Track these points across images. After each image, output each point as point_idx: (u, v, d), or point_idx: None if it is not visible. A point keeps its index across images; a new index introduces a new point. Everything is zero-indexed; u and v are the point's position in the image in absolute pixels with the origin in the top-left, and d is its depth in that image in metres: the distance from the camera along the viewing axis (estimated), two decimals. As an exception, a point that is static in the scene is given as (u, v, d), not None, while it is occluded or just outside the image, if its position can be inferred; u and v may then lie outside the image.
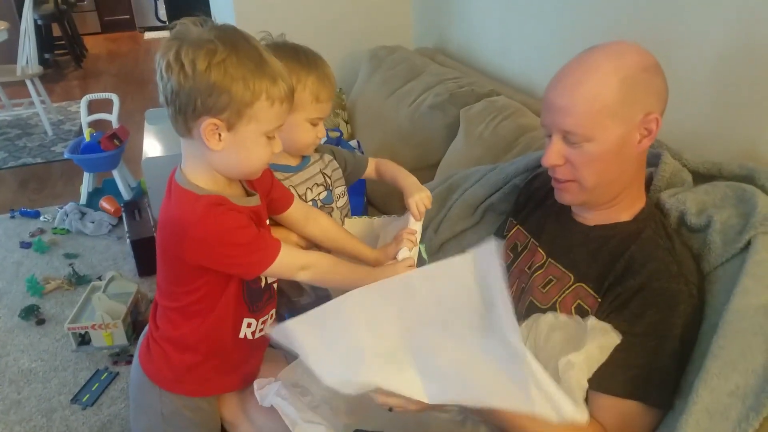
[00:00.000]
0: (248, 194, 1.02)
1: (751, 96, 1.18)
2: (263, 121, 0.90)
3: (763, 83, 1.15)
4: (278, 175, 1.18)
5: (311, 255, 1.06)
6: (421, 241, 1.19)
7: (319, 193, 1.27)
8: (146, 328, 1.14)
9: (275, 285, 1.11)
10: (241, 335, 1.09)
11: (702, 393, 0.81)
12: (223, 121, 0.87)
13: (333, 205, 1.29)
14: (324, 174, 1.28)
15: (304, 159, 1.26)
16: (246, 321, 1.08)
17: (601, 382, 0.90)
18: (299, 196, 1.22)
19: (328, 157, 1.31)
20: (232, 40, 0.86)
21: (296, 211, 1.15)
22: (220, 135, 0.89)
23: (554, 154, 0.96)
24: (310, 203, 1.25)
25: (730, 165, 1.10)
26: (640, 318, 0.90)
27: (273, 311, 1.13)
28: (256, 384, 1.07)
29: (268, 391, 1.03)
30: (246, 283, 1.03)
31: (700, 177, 1.14)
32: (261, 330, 1.11)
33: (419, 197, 1.20)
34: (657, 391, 0.89)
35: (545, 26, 1.81)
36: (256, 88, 0.87)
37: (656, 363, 0.89)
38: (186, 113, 0.87)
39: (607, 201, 1.01)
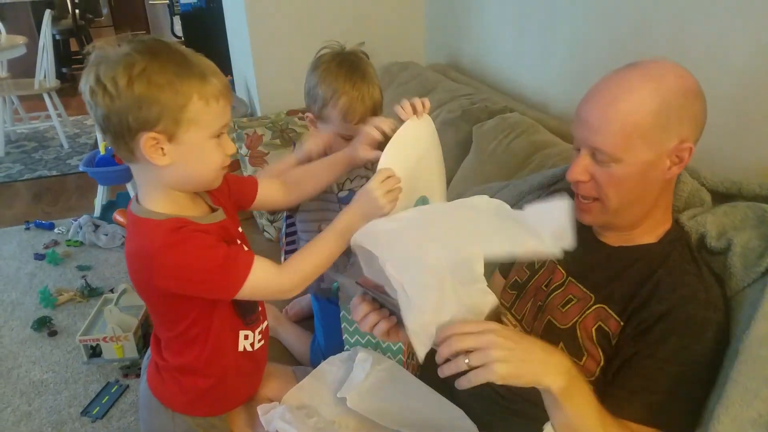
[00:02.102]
0: (213, 210, 0.99)
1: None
2: (203, 123, 0.85)
3: (783, 102, 1.13)
4: None
5: (290, 263, 0.98)
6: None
7: (361, 184, 1.30)
8: (149, 351, 1.13)
9: None
10: (240, 348, 1.07)
11: (724, 420, 0.79)
12: (161, 133, 0.83)
13: None
14: (365, 167, 1.31)
15: None
16: (242, 333, 1.06)
17: (621, 408, 0.88)
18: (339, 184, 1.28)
19: None
20: (150, 48, 0.82)
21: (268, 189, 1.13)
22: (162, 149, 0.84)
23: (580, 169, 0.94)
24: (347, 192, 1.29)
25: (750, 184, 1.08)
26: (663, 343, 0.88)
27: (266, 322, 1.13)
28: (260, 410, 1.06)
29: (272, 415, 1.03)
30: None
31: (720, 196, 1.12)
32: (260, 341, 1.10)
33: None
34: (679, 418, 0.87)
35: (559, 42, 1.81)
36: (185, 90, 0.82)
37: (678, 390, 0.87)
38: (123, 135, 0.83)
39: (629, 224, 0.99)
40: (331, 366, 1.16)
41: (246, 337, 1.07)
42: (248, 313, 1.05)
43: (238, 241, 1.01)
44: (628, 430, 0.86)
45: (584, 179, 0.94)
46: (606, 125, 0.89)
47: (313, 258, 0.98)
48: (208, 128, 0.86)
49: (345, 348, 1.25)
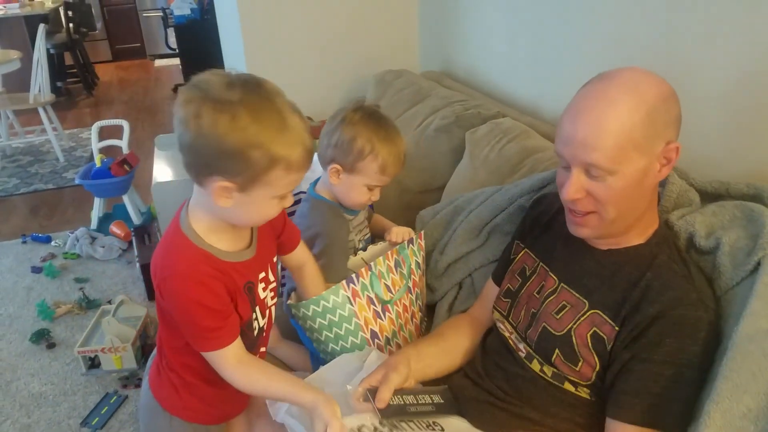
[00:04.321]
0: (249, 244, 1.00)
1: (759, 115, 1.18)
2: (277, 186, 0.87)
3: (768, 103, 1.15)
4: (347, 215, 1.34)
5: (252, 363, 0.99)
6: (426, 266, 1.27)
7: (364, 235, 1.42)
8: (154, 351, 1.14)
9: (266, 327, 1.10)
10: None
11: (714, 416, 0.80)
12: (236, 184, 0.85)
13: (369, 245, 1.43)
14: (366, 219, 1.44)
15: None
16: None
17: (620, 411, 0.90)
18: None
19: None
20: (257, 103, 0.82)
21: (296, 256, 1.17)
22: (229, 196, 0.87)
23: (575, 188, 0.93)
24: (357, 243, 1.39)
25: (737, 184, 1.10)
26: (658, 346, 0.90)
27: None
28: (268, 400, 1.07)
29: (279, 407, 1.04)
30: (240, 328, 0.99)
31: (708, 196, 1.14)
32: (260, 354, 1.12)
33: (400, 230, 1.40)
34: (675, 419, 0.88)
35: (552, 48, 1.83)
36: (275, 156, 0.83)
37: (676, 391, 0.88)
38: (198, 168, 0.86)
39: (623, 231, 1.00)
40: (343, 363, 1.17)
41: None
42: (249, 347, 1.03)
43: (248, 286, 1.00)
44: None
45: (580, 197, 0.94)
46: (600, 141, 0.88)
47: (266, 387, 0.99)
48: (279, 191, 0.89)
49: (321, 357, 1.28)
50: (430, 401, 1.08)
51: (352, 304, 1.21)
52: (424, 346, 1.20)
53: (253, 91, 0.83)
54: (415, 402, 1.05)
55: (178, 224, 0.94)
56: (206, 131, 0.81)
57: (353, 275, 1.23)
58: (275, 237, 1.09)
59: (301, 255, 1.18)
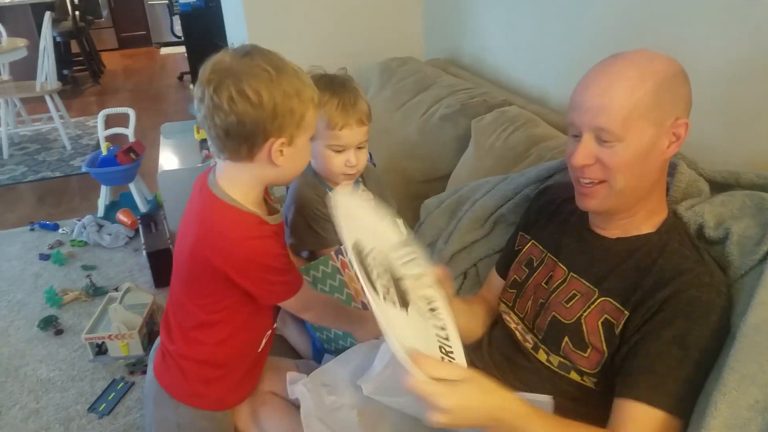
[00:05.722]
0: (271, 212, 1.04)
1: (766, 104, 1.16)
2: (311, 126, 0.96)
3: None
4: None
5: (319, 300, 1.12)
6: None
7: None
8: (158, 339, 1.15)
9: None
10: (260, 349, 1.11)
11: (721, 407, 0.79)
12: (287, 138, 0.92)
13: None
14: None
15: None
16: (267, 334, 1.11)
17: (624, 388, 0.90)
18: None
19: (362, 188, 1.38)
20: (274, 60, 0.90)
21: None
22: (282, 151, 0.93)
23: (585, 153, 0.94)
24: None
25: (747, 174, 1.09)
26: (668, 326, 0.89)
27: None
28: (288, 377, 1.11)
29: (297, 382, 1.08)
30: None
31: (717, 186, 1.13)
32: (268, 341, 1.14)
33: None
34: (678, 401, 0.87)
35: (558, 36, 1.81)
36: (306, 98, 0.92)
37: (681, 372, 0.87)
38: (253, 141, 0.90)
39: (628, 208, 0.99)
40: (356, 353, 1.18)
41: (267, 336, 1.11)
42: (276, 313, 1.09)
43: None
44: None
45: (590, 162, 0.95)
46: (610, 104, 0.91)
47: (332, 317, 1.16)
48: (312, 130, 0.97)
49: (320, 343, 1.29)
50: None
51: (341, 275, 1.22)
52: (456, 300, 1.15)
53: (262, 51, 0.92)
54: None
55: (215, 197, 0.96)
56: (255, 101, 0.87)
57: (341, 247, 1.21)
58: None
59: None
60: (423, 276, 0.92)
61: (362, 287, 0.77)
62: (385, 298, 0.80)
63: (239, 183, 0.97)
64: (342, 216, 0.83)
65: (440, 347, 0.84)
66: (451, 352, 0.84)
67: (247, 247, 0.95)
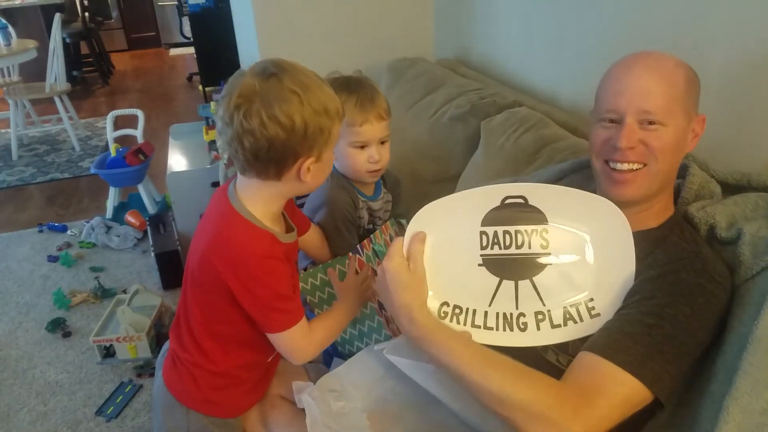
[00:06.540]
0: (288, 230, 1.04)
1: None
2: (336, 138, 0.95)
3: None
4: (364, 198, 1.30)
5: (315, 332, 1.05)
6: None
7: (379, 223, 1.39)
8: (166, 344, 1.14)
9: None
10: (270, 359, 1.12)
11: (733, 411, 0.78)
12: (315, 156, 0.92)
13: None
14: (385, 209, 1.40)
15: (377, 190, 1.36)
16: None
17: (589, 342, 0.88)
18: (375, 223, 1.37)
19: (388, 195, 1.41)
20: (299, 78, 0.88)
21: (314, 233, 1.23)
22: (310, 168, 0.93)
23: (630, 135, 0.95)
24: (365, 223, 1.36)
25: (760, 175, 1.08)
26: (648, 299, 0.89)
27: None
28: (294, 386, 1.11)
29: (303, 390, 1.08)
30: None
31: (729, 188, 1.12)
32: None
33: None
34: (631, 359, 0.83)
35: (570, 35, 1.80)
36: (332, 113, 0.91)
37: (647, 337, 0.84)
38: (284, 163, 0.90)
39: (650, 198, 1.00)
40: (368, 355, 1.17)
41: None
42: None
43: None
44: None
45: (634, 146, 0.96)
46: (656, 89, 0.93)
47: (332, 334, 1.11)
48: (336, 141, 0.96)
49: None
50: None
51: (358, 273, 1.21)
52: None
53: (284, 69, 0.89)
54: None
55: (234, 212, 0.96)
56: (287, 125, 0.86)
57: (358, 246, 1.23)
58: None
59: (317, 231, 1.24)
60: None
61: None
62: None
63: (261, 199, 0.97)
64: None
65: None
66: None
67: (254, 263, 0.94)
